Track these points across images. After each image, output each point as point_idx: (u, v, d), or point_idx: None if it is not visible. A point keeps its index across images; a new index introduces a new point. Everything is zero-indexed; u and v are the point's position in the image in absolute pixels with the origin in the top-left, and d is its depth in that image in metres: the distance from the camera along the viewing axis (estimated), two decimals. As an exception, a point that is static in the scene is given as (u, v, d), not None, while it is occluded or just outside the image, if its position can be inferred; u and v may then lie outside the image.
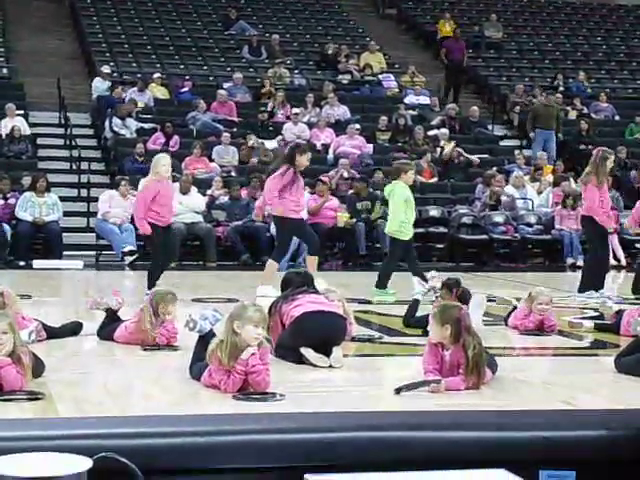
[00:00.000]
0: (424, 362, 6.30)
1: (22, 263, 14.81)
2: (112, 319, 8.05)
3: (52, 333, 7.90)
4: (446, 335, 6.16)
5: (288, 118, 20.90)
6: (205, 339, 6.29)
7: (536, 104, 22.52)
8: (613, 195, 18.22)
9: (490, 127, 23.17)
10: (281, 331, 7.26)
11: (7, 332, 5.70)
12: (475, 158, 20.36)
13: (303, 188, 12.01)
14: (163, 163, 11.31)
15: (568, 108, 23.58)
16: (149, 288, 10.31)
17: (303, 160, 11.63)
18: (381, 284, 11.68)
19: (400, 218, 11.67)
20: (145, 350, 7.50)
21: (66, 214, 16.85)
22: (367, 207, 17.17)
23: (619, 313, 9.05)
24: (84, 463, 3.05)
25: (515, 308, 9.27)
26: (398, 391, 5.92)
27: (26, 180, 16.71)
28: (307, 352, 6.98)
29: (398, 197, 11.71)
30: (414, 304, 9.03)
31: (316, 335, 7.10)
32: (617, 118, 23.70)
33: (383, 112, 21.82)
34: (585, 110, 23.61)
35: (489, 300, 10.27)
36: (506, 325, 9.17)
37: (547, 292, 9.12)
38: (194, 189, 16.91)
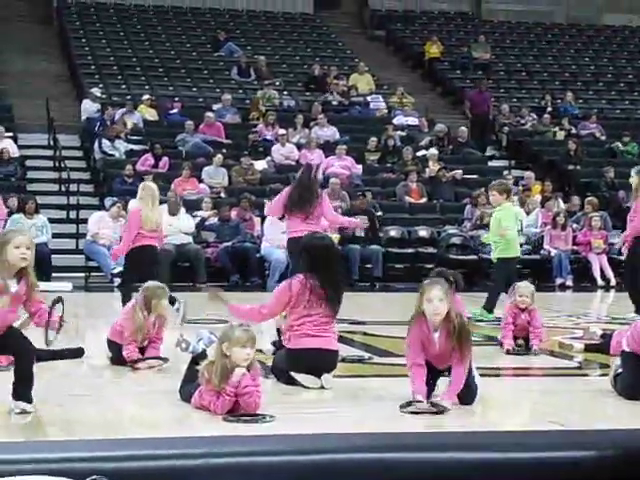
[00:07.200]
0: (408, 356, 6.24)
1: (11, 285, 14.71)
2: None
3: (39, 356, 7.83)
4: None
5: (277, 140, 20.94)
6: (197, 360, 6.28)
7: None
8: (601, 215, 18.28)
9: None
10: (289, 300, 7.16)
11: None
12: (458, 172, 20.34)
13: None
14: None
15: (556, 129, 23.67)
16: None
17: None
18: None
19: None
20: (134, 370, 7.51)
21: (55, 236, 16.84)
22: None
23: (604, 337, 9.05)
24: (74, 486, 3.04)
25: None
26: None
27: (12, 202, 16.67)
28: (297, 375, 6.97)
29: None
30: None
31: (309, 367, 7.04)
32: (603, 138, 23.73)
33: (372, 133, 21.84)
34: (573, 130, 23.69)
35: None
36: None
37: (529, 284, 9.32)
38: (183, 210, 16.90)
